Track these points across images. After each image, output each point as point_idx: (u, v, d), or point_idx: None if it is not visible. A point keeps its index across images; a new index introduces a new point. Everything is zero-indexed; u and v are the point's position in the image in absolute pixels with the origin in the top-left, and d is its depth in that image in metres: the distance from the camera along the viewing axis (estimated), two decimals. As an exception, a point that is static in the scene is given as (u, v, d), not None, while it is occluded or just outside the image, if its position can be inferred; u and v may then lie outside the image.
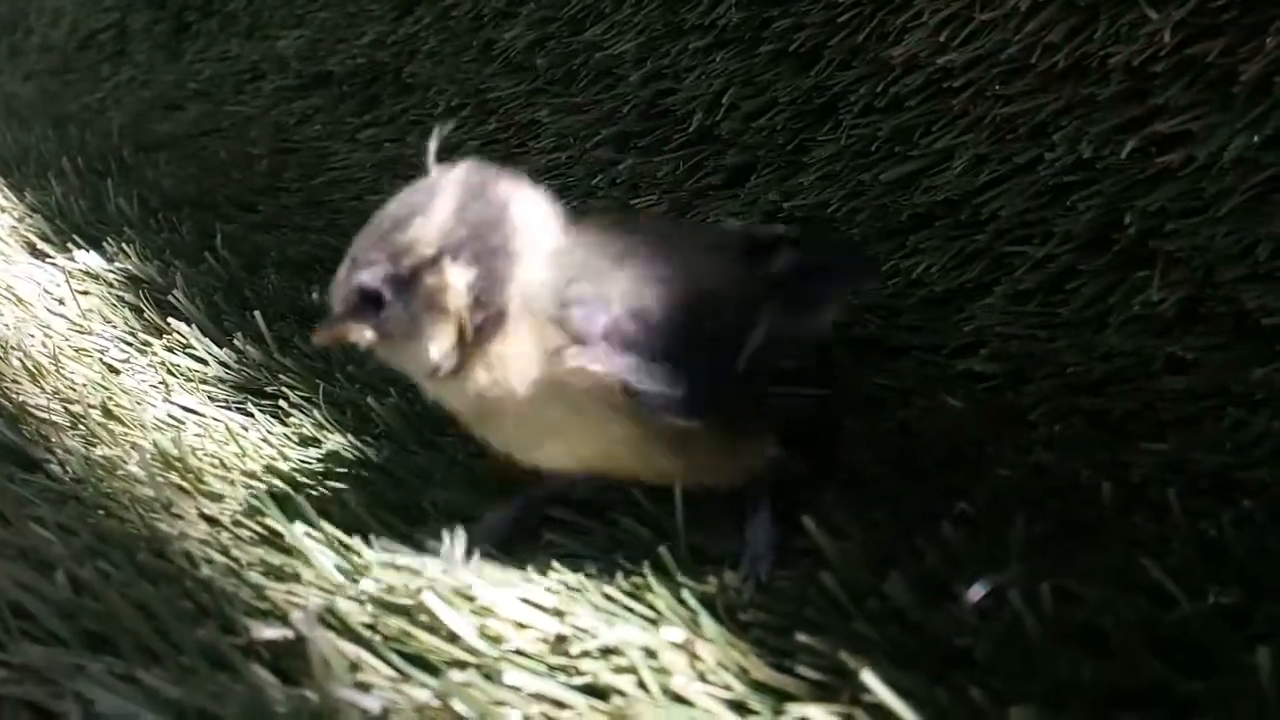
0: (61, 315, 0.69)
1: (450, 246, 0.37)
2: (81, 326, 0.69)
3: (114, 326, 0.67)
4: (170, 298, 0.66)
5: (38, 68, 1.66)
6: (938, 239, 0.58)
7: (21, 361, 0.59)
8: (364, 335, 0.39)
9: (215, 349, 0.62)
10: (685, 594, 0.33)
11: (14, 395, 0.56)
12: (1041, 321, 0.51)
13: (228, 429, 0.50)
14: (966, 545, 0.35)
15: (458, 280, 0.37)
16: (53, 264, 0.79)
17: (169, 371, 0.60)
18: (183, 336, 0.62)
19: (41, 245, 0.82)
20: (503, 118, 0.88)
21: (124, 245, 0.79)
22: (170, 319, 0.65)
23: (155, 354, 0.62)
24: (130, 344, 0.65)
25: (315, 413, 0.53)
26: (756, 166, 0.69)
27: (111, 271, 0.76)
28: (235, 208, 0.94)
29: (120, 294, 0.73)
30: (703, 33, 0.74)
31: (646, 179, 0.74)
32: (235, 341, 0.62)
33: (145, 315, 0.67)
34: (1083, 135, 0.54)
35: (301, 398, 0.54)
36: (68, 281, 0.72)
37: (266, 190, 0.98)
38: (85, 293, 0.73)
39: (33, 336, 0.65)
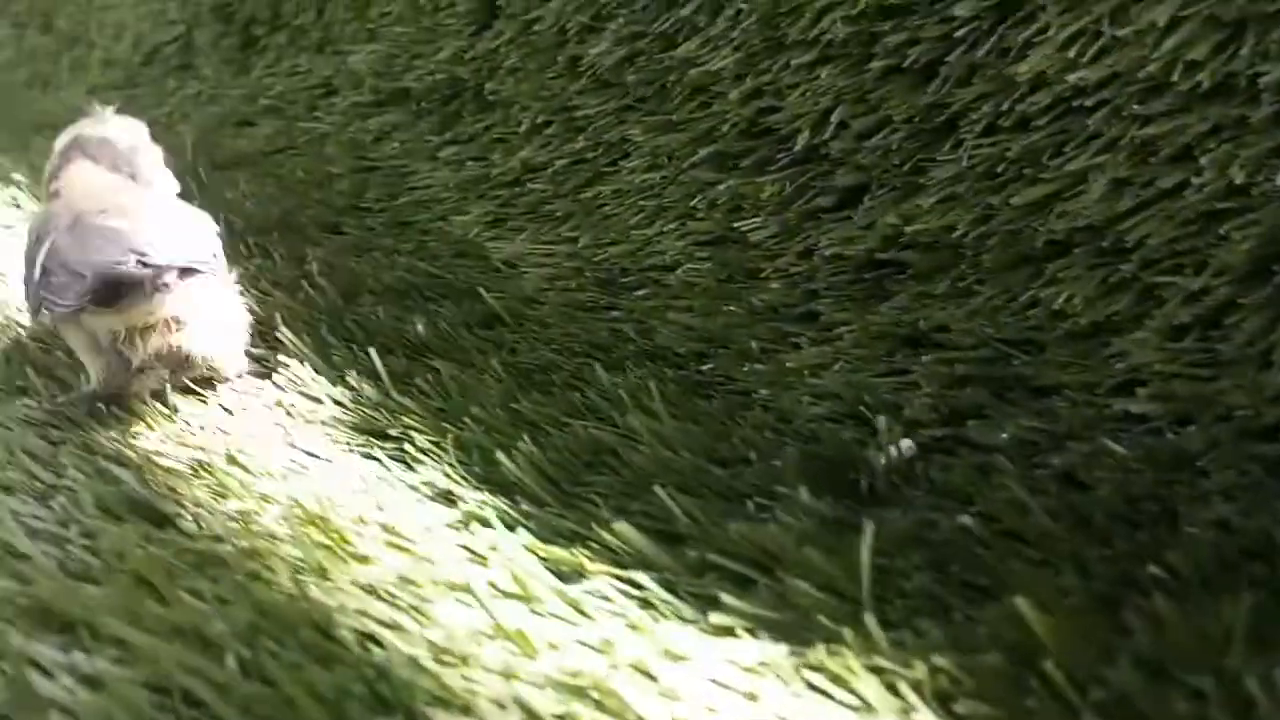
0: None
1: None
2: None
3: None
4: (277, 334, 0.65)
5: (101, 82, 1.66)
6: (1078, 268, 0.55)
7: (137, 405, 0.58)
8: None
9: (329, 387, 0.61)
10: (898, 682, 0.32)
11: (134, 442, 0.55)
12: (1201, 359, 0.49)
13: (372, 490, 0.49)
14: (1179, 620, 0.33)
15: None
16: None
17: (286, 412, 0.59)
18: (296, 376, 0.61)
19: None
20: (591, 136, 0.86)
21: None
22: (279, 354, 0.65)
23: (267, 392, 0.61)
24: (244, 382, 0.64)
25: (444, 461, 0.51)
26: (870, 187, 0.67)
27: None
28: (320, 229, 0.93)
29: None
30: (806, 48, 0.72)
31: (750, 200, 0.72)
32: (349, 379, 0.61)
33: (253, 350, 0.66)
34: (1233, 160, 0.52)
35: (430, 442, 0.53)
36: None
37: (349, 210, 0.97)
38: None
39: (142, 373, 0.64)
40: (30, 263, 0.60)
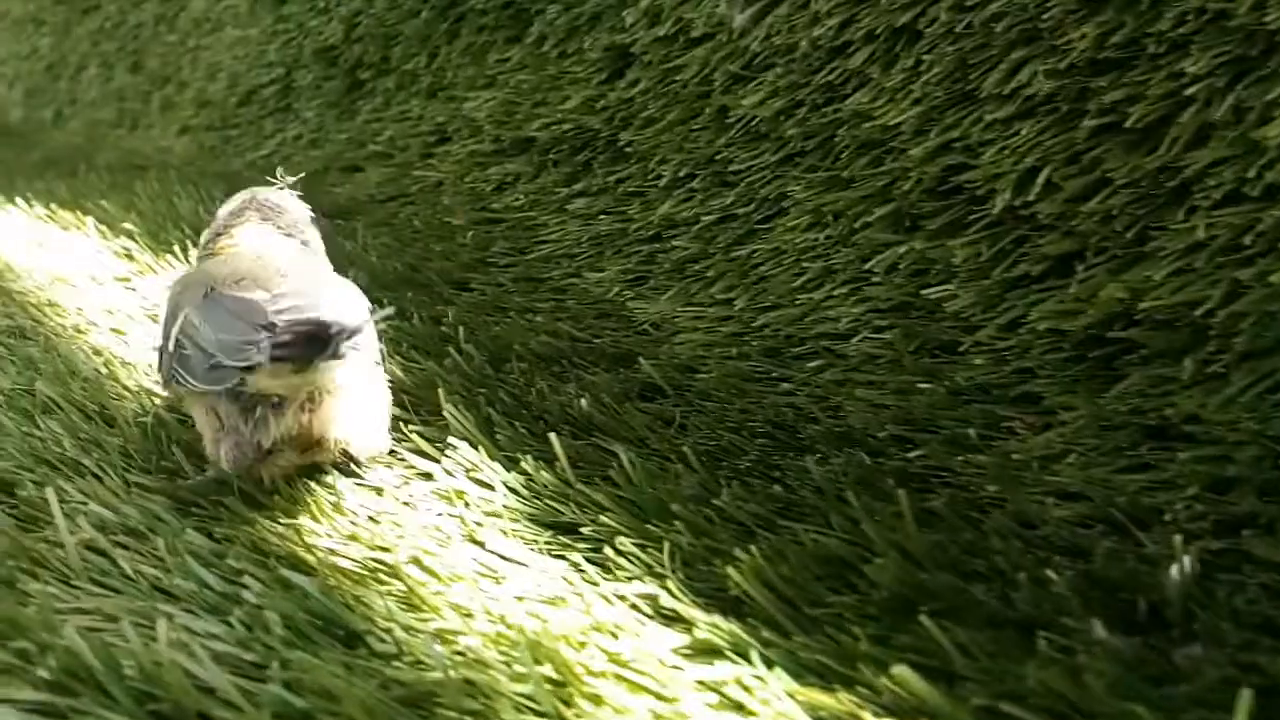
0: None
1: None
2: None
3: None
4: (446, 413, 0.60)
5: (194, 122, 1.65)
6: (1364, 355, 0.49)
7: (303, 495, 0.53)
8: None
9: (503, 472, 0.56)
10: None
11: (306, 540, 0.50)
12: None
13: (585, 602, 0.43)
14: None
15: None
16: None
17: (461, 502, 0.54)
18: (465, 459, 0.56)
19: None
20: (743, 191, 0.81)
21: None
22: (437, 429, 0.60)
23: (434, 477, 0.56)
24: (388, 460, 0.59)
25: (657, 569, 0.46)
26: (1084, 255, 0.61)
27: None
28: (448, 285, 0.89)
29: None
30: (1001, 102, 0.67)
31: (939, 265, 0.67)
32: (524, 464, 0.56)
33: (409, 427, 0.61)
34: None
35: (634, 544, 0.47)
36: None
37: (476, 265, 0.93)
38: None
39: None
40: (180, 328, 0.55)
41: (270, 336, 0.49)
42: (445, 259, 0.95)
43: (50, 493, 0.48)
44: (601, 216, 0.91)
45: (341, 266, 0.87)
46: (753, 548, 0.45)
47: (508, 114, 1.06)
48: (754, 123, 0.81)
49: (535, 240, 0.94)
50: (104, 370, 0.72)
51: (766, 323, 0.73)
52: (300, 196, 0.69)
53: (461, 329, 0.74)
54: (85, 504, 0.53)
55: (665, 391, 0.68)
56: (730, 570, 0.43)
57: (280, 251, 0.63)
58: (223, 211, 0.67)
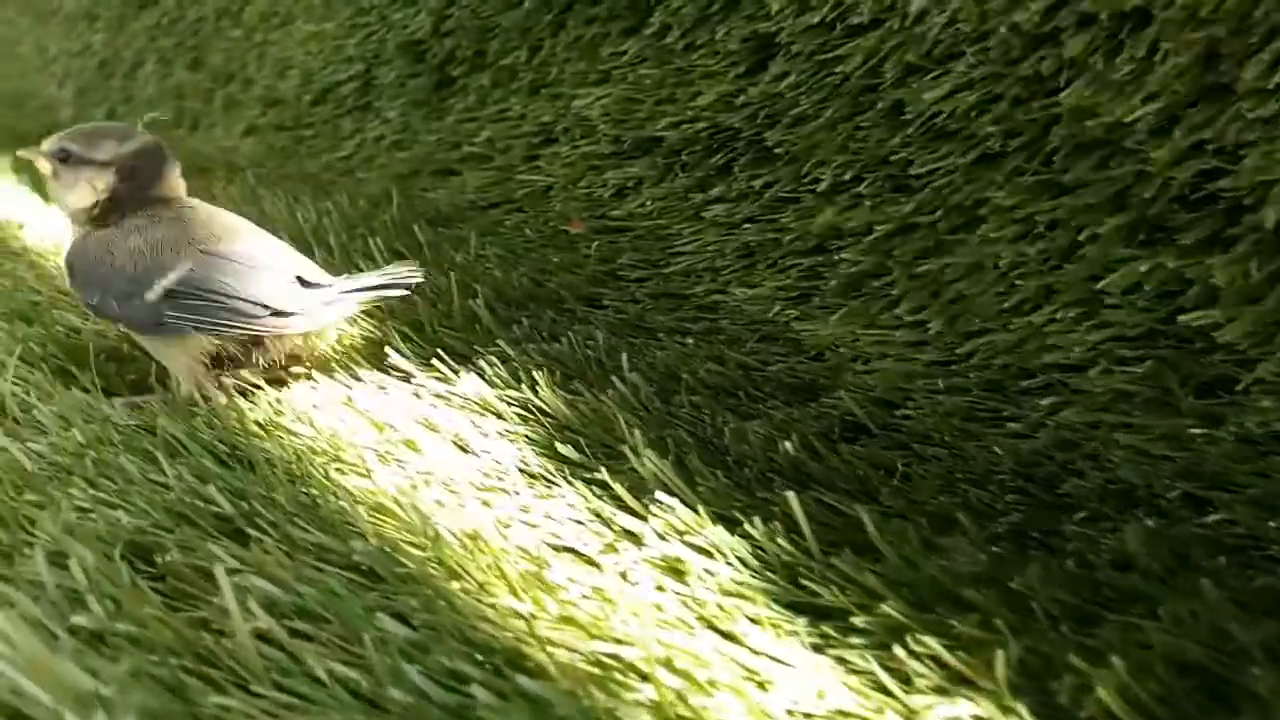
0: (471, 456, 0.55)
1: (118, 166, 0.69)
2: (493, 474, 0.55)
3: (559, 495, 0.53)
4: (641, 461, 0.51)
5: (261, 121, 1.57)
6: None
7: (497, 563, 0.45)
8: (45, 166, 0.70)
9: (724, 535, 0.47)
10: None
11: (523, 628, 0.41)
12: None
13: (862, 707, 0.35)
14: None
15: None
16: (414, 382, 0.66)
17: (689, 577, 0.45)
18: (681, 520, 0.48)
19: (392, 356, 0.68)
20: (928, 198, 0.72)
21: (493, 360, 0.65)
22: (629, 476, 0.51)
23: (643, 541, 0.48)
24: (581, 516, 0.51)
25: (985, 683, 0.37)
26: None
27: (506, 400, 0.62)
28: (579, 301, 0.80)
29: (527, 433, 0.59)
30: (1263, 98, 0.57)
31: (1199, 283, 0.57)
32: (748, 527, 0.47)
33: (595, 474, 0.52)
34: None
35: (939, 643, 0.38)
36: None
37: (604, 280, 0.84)
38: (484, 432, 0.60)
39: (461, 506, 0.51)
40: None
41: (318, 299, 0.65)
42: (568, 271, 0.86)
43: (220, 572, 0.40)
44: (746, 225, 0.82)
45: (467, 285, 0.79)
46: (1114, 659, 0.36)
47: (625, 112, 0.97)
48: (938, 119, 0.72)
49: (669, 251, 0.86)
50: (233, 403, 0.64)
51: (973, 350, 0.64)
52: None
53: (622, 355, 0.65)
54: (240, 572, 0.44)
55: (870, 431, 0.59)
56: (1100, 691, 0.34)
57: (207, 208, 0.72)
58: (121, 153, 0.70)
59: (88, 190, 0.69)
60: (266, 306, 0.64)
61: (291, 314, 0.64)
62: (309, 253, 0.88)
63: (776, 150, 0.83)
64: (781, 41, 0.85)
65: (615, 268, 0.86)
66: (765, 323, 0.74)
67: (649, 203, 0.91)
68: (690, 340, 0.72)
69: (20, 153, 0.72)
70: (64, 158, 0.69)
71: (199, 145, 1.69)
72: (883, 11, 0.76)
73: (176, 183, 0.72)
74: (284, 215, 1.03)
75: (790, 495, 0.46)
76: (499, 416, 0.61)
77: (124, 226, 0.68)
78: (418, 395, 0.64)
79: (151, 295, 0.65)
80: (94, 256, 0.68)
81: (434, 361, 0.67)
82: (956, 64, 0.72)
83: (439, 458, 0.56)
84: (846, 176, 0.77)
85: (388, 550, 0.45)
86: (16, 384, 0.66)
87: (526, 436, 0.59)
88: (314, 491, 0.51)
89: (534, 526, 0.49)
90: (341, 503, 0.50)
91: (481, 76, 1.17)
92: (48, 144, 0.70)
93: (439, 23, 1.22)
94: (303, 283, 0.65)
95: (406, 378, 0.67)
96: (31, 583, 0.43)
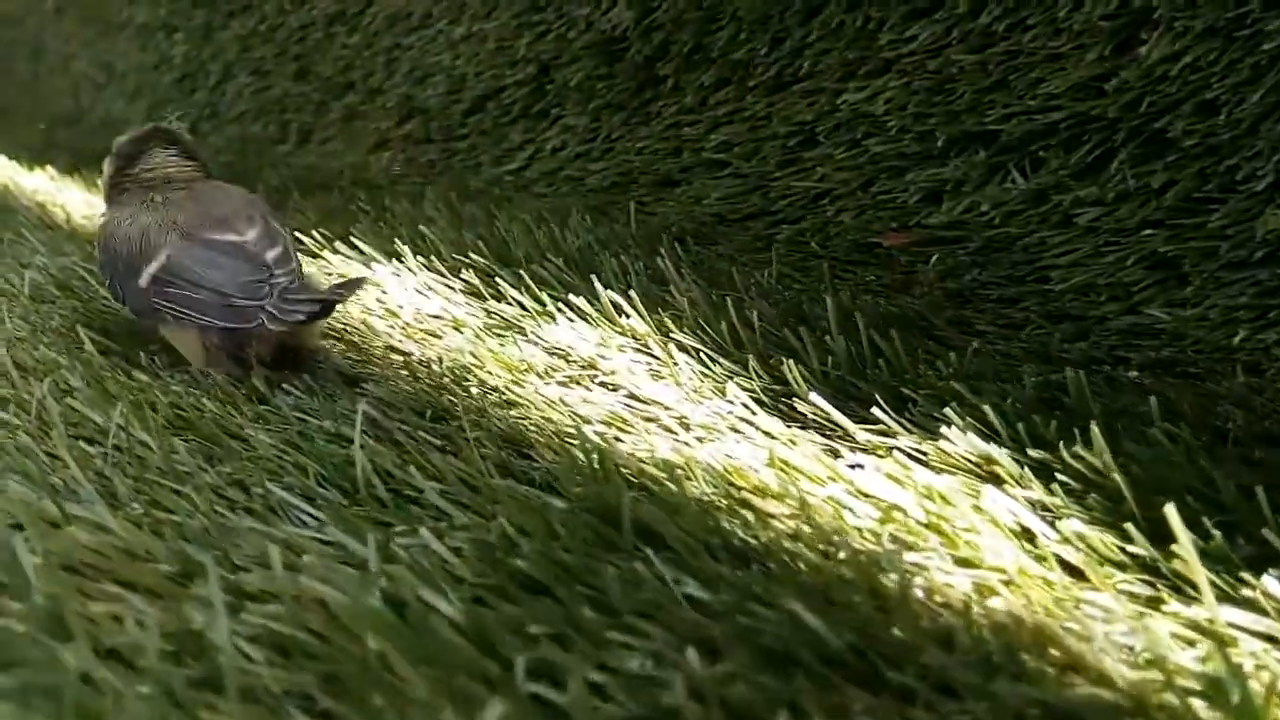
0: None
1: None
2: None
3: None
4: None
5: (398, 133, 1.43)
6: None
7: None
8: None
9: None
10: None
11: None
12: None
13: None
14: None
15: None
16: (866, 440, 0.52)
17: None
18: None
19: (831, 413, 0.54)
20: None
21: (956, 409, 0.51)
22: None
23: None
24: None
25: None
26: None
27: (1021, 459, 0.48)
28: (951, 327, 0.66)
29: (1078, 508, 0.44)
30: None
31: None
32: None
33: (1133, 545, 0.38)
34: None
35: None
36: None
37: (964, 302, 0.70)
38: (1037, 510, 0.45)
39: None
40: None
41: (283, 303, 0.60)
42: (902, 291, 0.72)
43: None
44: (1147, 232, 0.69)
45: (790, 325, 0.65)
46: None
47: (926, 105, 0.83)
48: None
49: (1039, 266, 0.72)
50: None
51: None
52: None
53: (1092, 403, 0.51)
54: None
55: None
56: None
57: (212, 188, 0.72)
58: (122, 140, 0.73)
59: (104, 176, 0.74)
60: (229, 299, 0.61)
61: (254, 310, 0.60)
62: (584, 277, 0.74)
63: (1176, 141, 0.69)
64: (1163, 16, 0.72)
65: (968, 287, 0.72)
66: (1234, 351, 0.60)
67: (986, 207, 0.77)
68: (1145, 376, 0.58)
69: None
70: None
71: (314, 161, 1.55)
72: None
73: (181, 165, 0.73)
74: (492, 233, 0.89)
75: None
76: (1016, 482, 0.47)
77: (126, 209, 0.70)
78: (876, 454, 0.50)
79: (143, 281, 0.65)
80: (102, 241, 0.70)
81: (875, 410, 0.52)
82: None
83: (997, 548, 0.42)
84: (1290, 173, 0.64)
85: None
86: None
87: (1081, 510, 0.44)
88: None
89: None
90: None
91: (701, 74, 1.03)
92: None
93: (643, 16, 1.08)
94: (272, 273, 0.62)
95: (847, 436, 0.52)
96: None
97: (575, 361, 0.66)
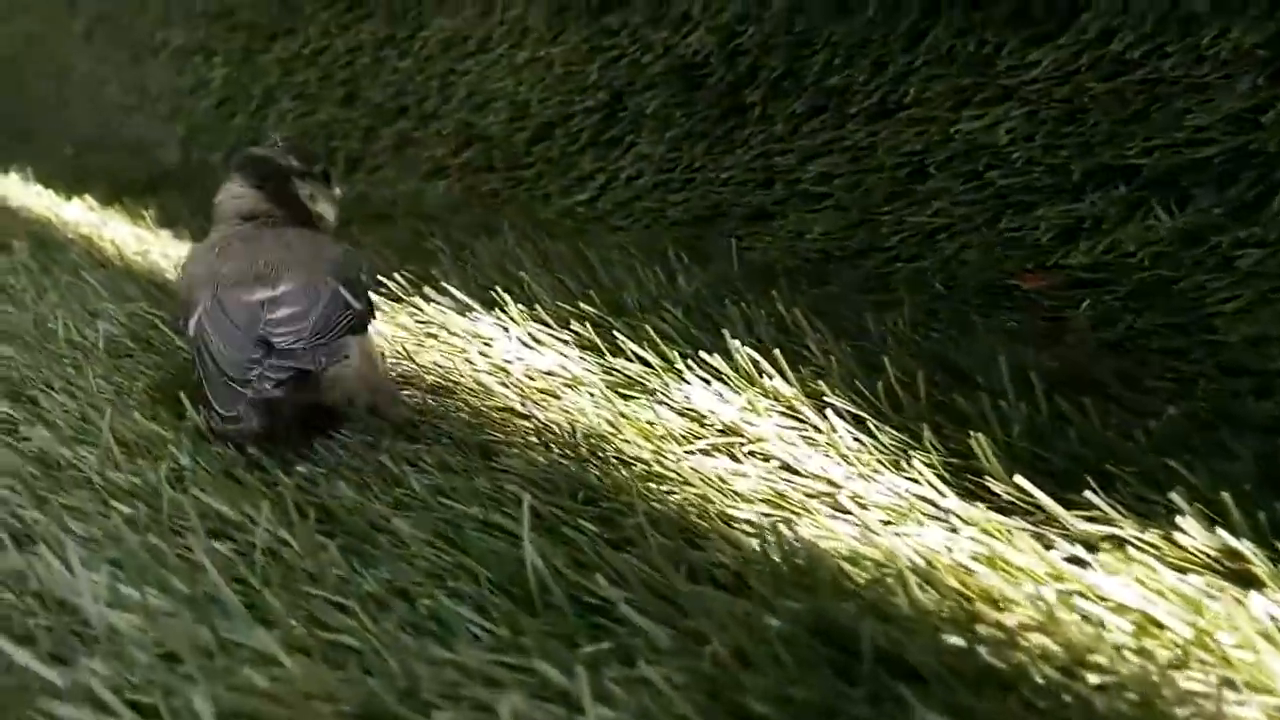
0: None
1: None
2: None
3: None
4: None
5: (452, 162, 1.39)
6: None
7: None
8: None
9: None
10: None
11: None
12: None
13: None
14: None
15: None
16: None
17: None
18: None
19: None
20: None
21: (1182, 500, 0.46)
22: None
23: None
24: None
25: None
26: None
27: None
28: (1135, 393, 0.61)
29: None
30: None
31: None
32: None
33: None
34: None
35: None
36: None
37: (1129, 356, 0.65)
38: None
39: None
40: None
41: (265, 369, 0.56)
42: (1056, 343, 0.67)
43: None
44: (1323, 276, 0.64)
45: (943, 381, 0.60)
46: None
47: (1057, 136, 0.79)
48: None
49: (1204, 314, 0.67)
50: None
51: None
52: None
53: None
54: None
55: None
56: None
57: (275, 235, 0.69)
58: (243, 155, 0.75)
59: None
60: (223, 372, 0.58)
61: (237, 394, 0.57)
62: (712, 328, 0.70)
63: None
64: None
65: (1122, 334, 0.67)
66: None
67: (1131, 247, 0.72)
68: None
69: None
70: None
71: (363, 190, 1.51)
72: None
73: (257, 202, 0.72)
74: (591, 275, 0.84)
75: None
76: (1274, 583, 0.42)
77: (200, 248, 0.71)
78: (1100, 548, 0.45)
79: (190, 331, 0.64)
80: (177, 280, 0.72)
81: (1087, 494, 0.48)
82: None
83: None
84: None
85: None
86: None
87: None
88: None
89: None
90: None
91: (792, 101, 0.99)
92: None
93: (727, 41, 1.03)
94: (269, 348, 0.58)
95: (1053, 521, 0.47)
96: None
97: (712, 426, 0.61)
